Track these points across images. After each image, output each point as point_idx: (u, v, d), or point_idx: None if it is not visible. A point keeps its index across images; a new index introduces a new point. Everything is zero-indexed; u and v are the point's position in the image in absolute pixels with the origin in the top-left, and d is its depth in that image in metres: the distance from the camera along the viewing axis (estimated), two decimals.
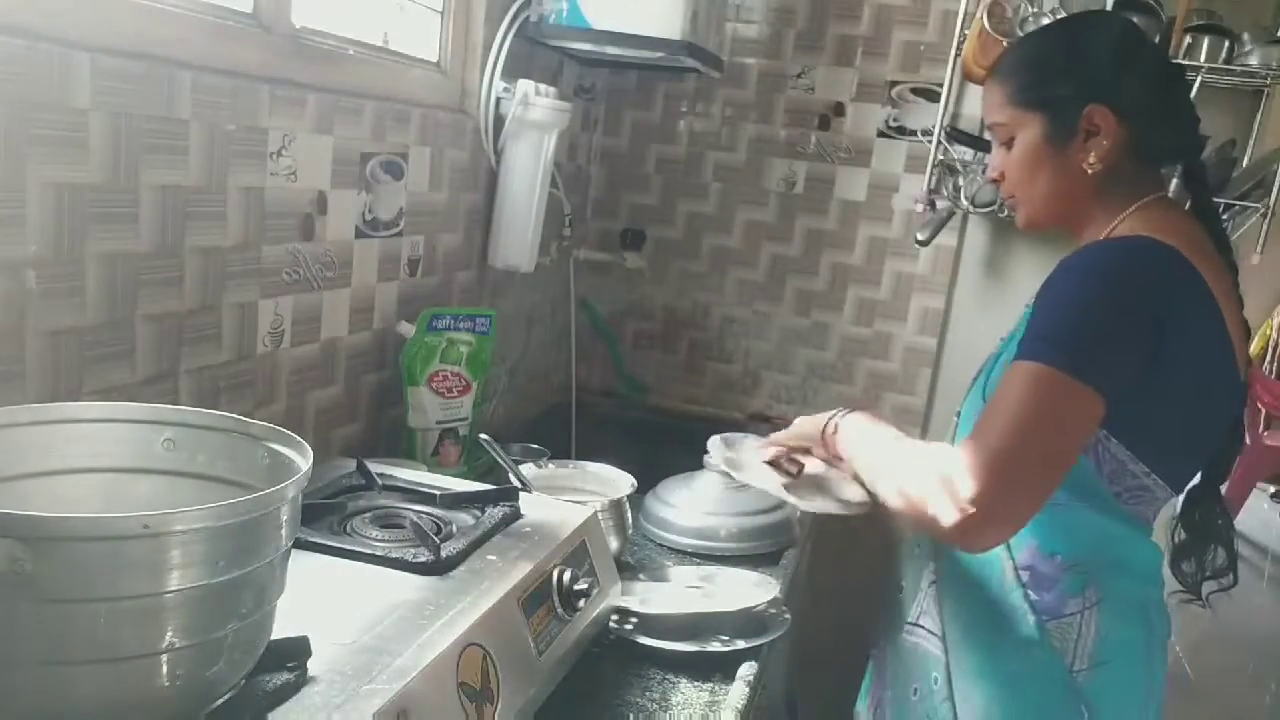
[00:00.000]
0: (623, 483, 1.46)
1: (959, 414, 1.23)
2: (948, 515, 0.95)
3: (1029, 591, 1.09)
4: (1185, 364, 1.02)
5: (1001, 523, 0.97)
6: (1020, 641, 1.09)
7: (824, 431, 1.24)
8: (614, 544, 1.36)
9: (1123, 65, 1.11)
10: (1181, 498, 1.18)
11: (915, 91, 2.13)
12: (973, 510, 0.94)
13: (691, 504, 1.54)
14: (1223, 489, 1.19)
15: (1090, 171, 1.11)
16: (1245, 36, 1.86)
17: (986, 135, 1.24)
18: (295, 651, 0.78)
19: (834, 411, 1.25)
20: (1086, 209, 1.14)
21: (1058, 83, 1.12)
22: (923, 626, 1.20)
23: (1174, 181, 1.42)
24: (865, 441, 1.17)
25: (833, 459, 1.27)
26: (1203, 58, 1.83)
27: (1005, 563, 1.11)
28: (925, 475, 1.00)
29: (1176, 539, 1.20)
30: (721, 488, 1.57)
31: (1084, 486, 1.06)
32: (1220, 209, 1.86)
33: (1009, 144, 1.16)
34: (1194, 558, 1.19)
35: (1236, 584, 1.20)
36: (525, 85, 1.66)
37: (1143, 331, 1.00)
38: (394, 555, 0.99)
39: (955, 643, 1.15)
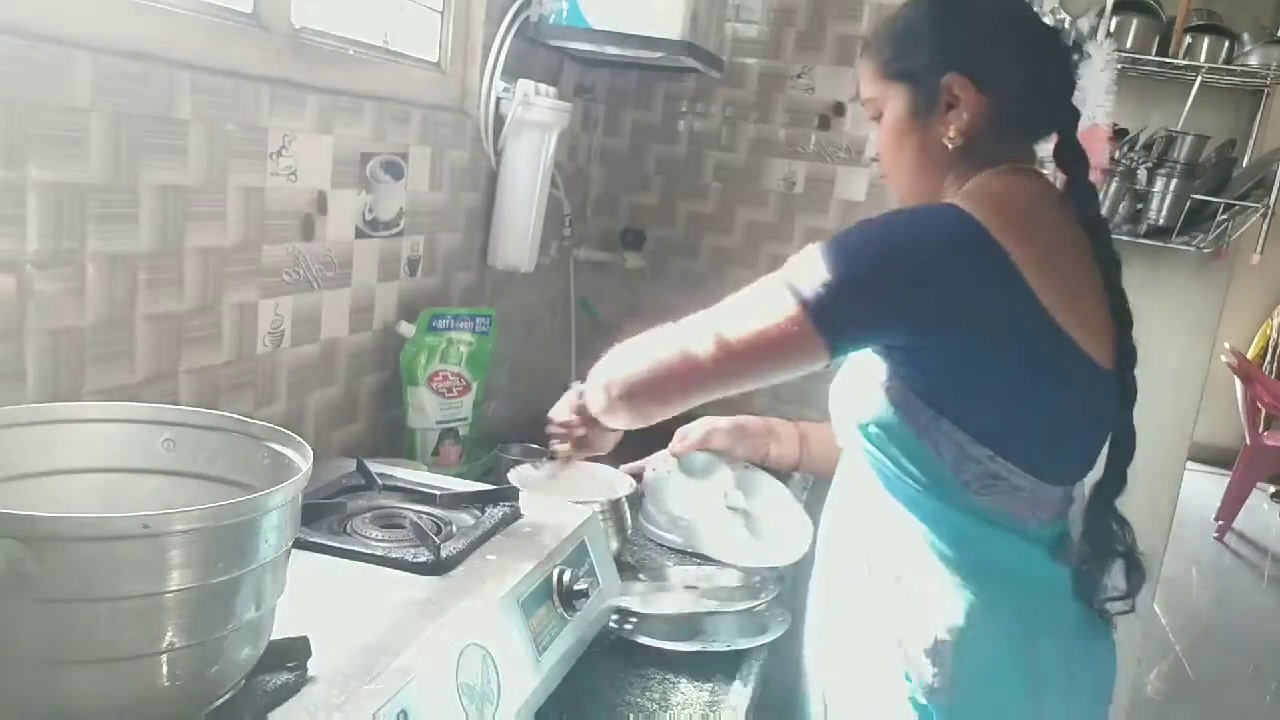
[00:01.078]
0: (622, 484, 1.46)
1: None
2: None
3: (897, 603, 1.03)
4: (997, 339, 0.97)
5: (627, 398, 1.07)
6: (886, 668, 1.03)
7: (582, 410, 1.24)
8: (614, 544, 1.36)
9: (985, 34, 1.06)
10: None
11: None
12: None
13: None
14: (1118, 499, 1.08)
15: (950, 145, 1.06)
16: (1245, 36, 1.86)
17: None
18: (295, 651, 0.78)
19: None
20: (944, 180, 1.09)
21: (920, 53, 1.07)
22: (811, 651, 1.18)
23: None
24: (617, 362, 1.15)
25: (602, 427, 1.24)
26: (1203, 58, 1.83)
27: (874, 563, 1.06)
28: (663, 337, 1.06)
29: (1083, 554, 1.07)
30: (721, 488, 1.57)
31: (931, 477, 1.00)
32: (1220, 208, 1.86)
33: (879, 119, 1.12)
34: (1096, 576, 1.06)
35: (1134, 610, 1.08)
36: (525, 85, 1.66)
37: (893, 288, 0.97)
38: (394, 555, 0.99)
39: (832, 672, 1.12)
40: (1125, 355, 1.03)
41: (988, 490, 1.00)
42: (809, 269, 0.98)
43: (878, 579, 1.06)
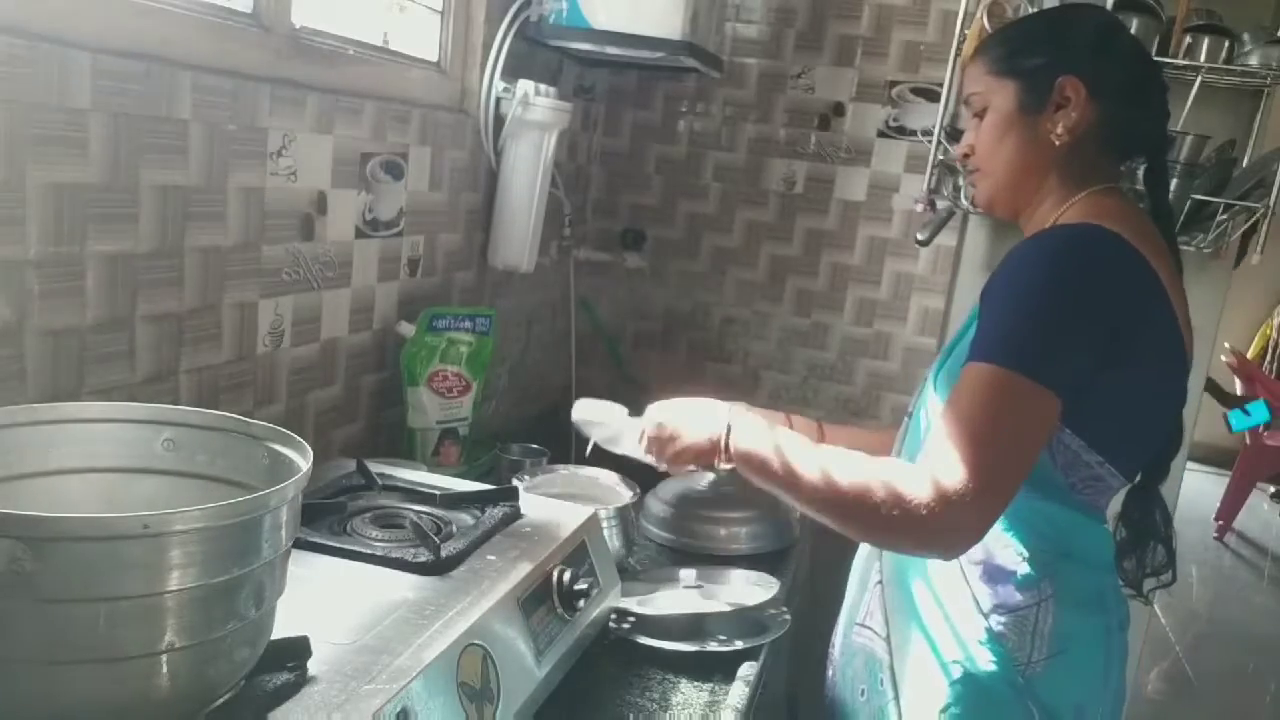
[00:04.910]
0: (625, 491, 1.46)
1: (910, 415, 1.21)
2: (916, 523, 0.94)
3: (983, 586, 1.08)
4: (1140, 353, 1.01)
5: (969, 528, 0.96)
6: (966, 641, 1.07)
7: (720, 442, 1.16)
8: (620, 550, 1.36)
9: (1099, 46, 1.12)
10: (1122, 496, 1.18)
11: (915, 91, 2.13)
12: (940, 517, 0.93)
13: (692, 504, 1.54)
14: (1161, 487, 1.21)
15: (1057, 143, 1.10)
16: (1245, 36, 1.86)
17: (961, 111, 1.24)
18: (295, 651, 0.78)
19: (716, 414, 1.19)
20: (1043, 186, 1.13)
21: (1034, 53, 1.12)
22: (869, 627, 1.19)
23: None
24: (787, 449, 1.11)
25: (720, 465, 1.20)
26: (1203, 58, 1.83)
27: (952, 562, 1.09)
28: (877, 471, 0.99)
29: (1118, 537, 1.19)
30: (722, 488, 1.57)
31: (1040, 477, 1.04)
32: (1220, 209, 1.86)
33: (982, 115, 1.16)
34: (1134, 555, 1.20)
35: (1175, 581, 1.21)
36: (525, 85, 1.66)
37: (1093, 322, 0.99)
38: (394, 555, 0.99)
39: (900, 644, 1.13)
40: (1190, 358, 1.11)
41: (1088, 489, 1.08)
42: (997, 336, 0.99)
43: (965, 568, 1.09)
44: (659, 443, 1.24)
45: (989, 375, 0.97)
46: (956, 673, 1.07)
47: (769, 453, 1.10)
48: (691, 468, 1.28)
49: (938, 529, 0.95)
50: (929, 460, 0.97)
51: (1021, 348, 0.97)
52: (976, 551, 1.08)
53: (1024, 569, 1.07)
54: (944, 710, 1.07)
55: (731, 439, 1.15)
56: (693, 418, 1.21)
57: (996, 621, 1.06)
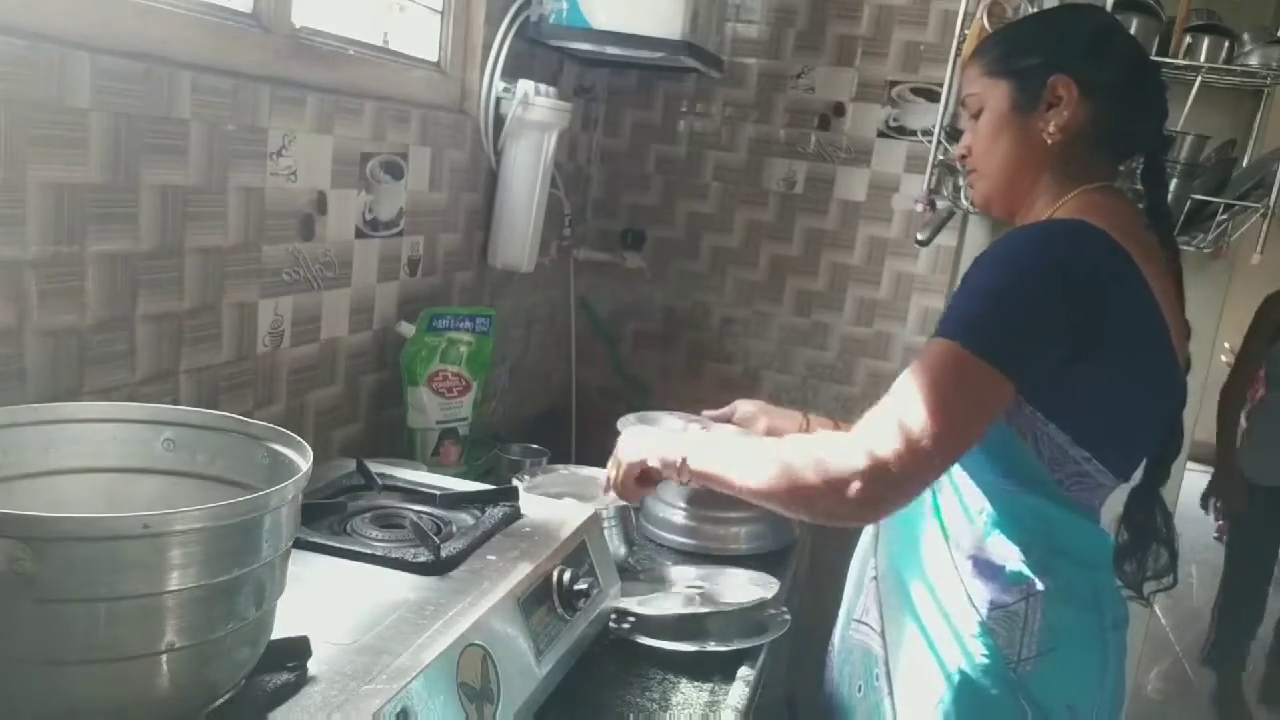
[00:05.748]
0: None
1: None
2: (840, 482, 0.96)
3: (974, 582, 1.08)
4: (1121, 348, 1.01)
5: (889, 498, 0.97)
6: (959, 637, 1.08)
7: (678, 465, 1.18)
8: (620, 551, 1.36)
9: (1093, 45, 1.12)
10: (1125, 498, 1.18)
11: (915, 91, 2.13)
12: (869, 483, 0.95)
13: (692, 504, 1.54)
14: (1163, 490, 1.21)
15: (1049, 142, 1.11)
16: (1245, 36, 1.86)
17: (961, 111, 1.25)
18: (295, 651, 0.78)
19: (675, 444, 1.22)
20: (1037, 185, 1.14)
21: (1028, 53, 1.13)
22: (865, 623, 1.20)
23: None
24: (736, 458, 1.13)
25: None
26: (1203, 58, 1.83)
27: (945, 556, 1.10)
28: (813, 451, 1.00)
29: (1119, 539, 1.19)
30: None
31: (1027, 473, 1.05)
32: (1219, 209, 1.86)
33: (978, 116, 1.17)
34: (1135, 558, 1.20)
35: (1176, 584, 1.21)
36: (525, 85, 1.66)
37: (1063, 312, 0.99)
38: (394, 555, 0.99)
39: (895, 639, 1.14)
40: (1187, 362, 1.12)
41: (1077, 485, 1.08)
42: (958, 315, 1.00)
43: (958, 563, 1.10)
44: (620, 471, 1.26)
45: (943, 351, 0.98)
46: (951, 668, 1.07)
47: (720, 469, 1.13)
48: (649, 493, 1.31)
49: (864, 497, 0.96)
50: (864, 426, 0.98)
51: (981, 329, 0.98)
52: (969, 546, 1.09)
53: (1013, 564, 1.07)
54: (938, 705, 1.07)
55: (689, 465, 1.16)
56: (653, 447, 1.22)
57: (989, 616, 1.07)
